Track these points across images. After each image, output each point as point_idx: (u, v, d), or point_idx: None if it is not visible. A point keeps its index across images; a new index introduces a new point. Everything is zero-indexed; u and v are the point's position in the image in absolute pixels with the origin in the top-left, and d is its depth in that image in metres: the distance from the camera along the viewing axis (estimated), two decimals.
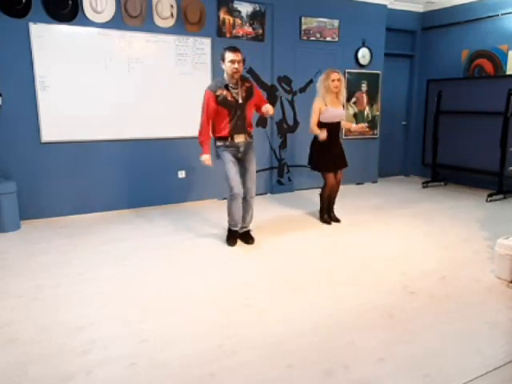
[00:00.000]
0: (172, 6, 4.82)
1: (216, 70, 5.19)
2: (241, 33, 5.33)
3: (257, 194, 5.79)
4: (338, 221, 4.50)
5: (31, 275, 3.13)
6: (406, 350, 2.21)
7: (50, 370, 2.03)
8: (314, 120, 4.20)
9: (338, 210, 4.61)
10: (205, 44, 5.09)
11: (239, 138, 3.65)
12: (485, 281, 3.06)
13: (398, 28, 6.71)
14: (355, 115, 6.43)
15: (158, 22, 4.79)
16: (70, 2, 4.31)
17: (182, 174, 5.25)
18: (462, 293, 2.88)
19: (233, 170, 3.64)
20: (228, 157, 3.65)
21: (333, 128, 4.23)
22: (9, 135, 4.28)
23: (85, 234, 4.08)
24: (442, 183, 6.58)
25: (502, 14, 5.81)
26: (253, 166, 3.77)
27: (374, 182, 6.78)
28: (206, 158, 3.64)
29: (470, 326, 2.46)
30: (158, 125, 4.98)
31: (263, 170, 5.85)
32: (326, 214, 4.51)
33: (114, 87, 4.67)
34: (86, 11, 4.39)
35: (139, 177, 5.00)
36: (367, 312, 2.60)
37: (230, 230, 3.86)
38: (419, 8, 6.82)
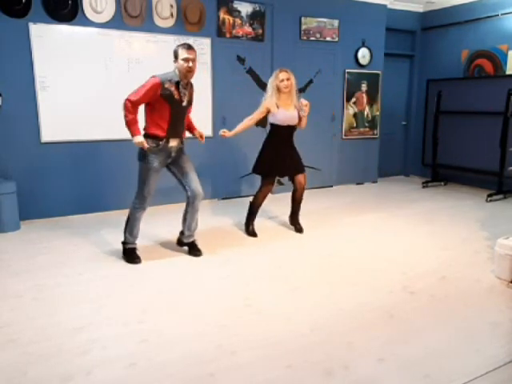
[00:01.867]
0: (172, 6, 4.82)
1: (216, 70, 5.20)
2: (241, 33, 5.33)
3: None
4: (301, 231, 4.16)
5: (31, 275, 3.13)
6: (406, 350, 2.21)
7: (49, 370, 2.03)
8: (254, 116, 3.88)
9: (337, 209, 4.60)
10: (205, 44, 5.09)
11: (173, 142, 3.27)
12: (485, 281, 3.06)
13: (397, 28, 6.71)
14: (355, 115, 6.43)
15: (158, 22, 4.79)
16: (70, 2, 4.30)
17: None
18: (462, 293, 2.88)
19: (154, 180, 3.28)
20: (155, 163, 3.23)
21: (285, 131, 3.91)
22: (9, 135, 4.28)
23: (84, 234, 4.08)
24: (441, 183, 6.58)
25: (501, 14, 5.81)
26: (191, 165, 3.43)
27: (374, 181, 6.78)
28: (142, 140, 3.13)
29: (470, 326, 2.46)
30: None
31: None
32: (294, 221, 4.22)
33: (113, 87, 4.67)
34: (85, 11, 4.39)
35: None
36: (367, 312, 2.60)
37: (129, 250, 3.39)
38: (419, 8, 6.82)
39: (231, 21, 5.23)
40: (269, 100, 3.87)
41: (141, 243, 3.83)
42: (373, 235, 4.10)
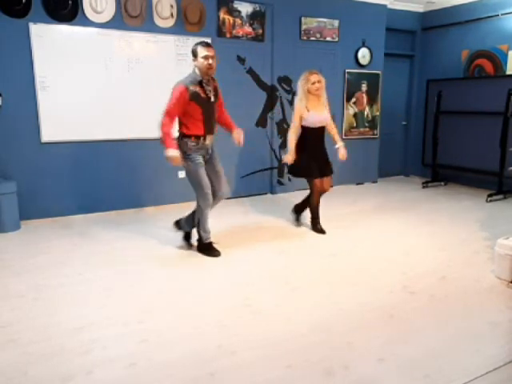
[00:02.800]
0: (172, 6, 4.82)
1: (216, 70, 5.18)
2: (241, 33, 5.33)
3: (257, 194, 5.85)
4: (323, 232, 4.17)
5: (31, 275, 3.13)
6: (406, 350, 2.21)
7: (49, 370, 2.03)
8: (294, 128, 3.94)
9: (337, 209, 4.60)
10: None
11: (209, 140, 3.41)
12: (485, 281, 3.06)
13: (397, 28, 6.71)
14: (355, 115, 6.43)
15: (158, 22, 4.79)
16: (70, 2, 4.30)
17: (182, 174, 5.24)
18: (461, 293, 2.88)
19: (204, 174, 3.39)
20: (200, 159, 3.36)
21: (317, 132, 3.98)
22: (9, 135, 4.28)
23: (85, 234, 4.08)
24: (441, 183, 6.58)
25: (502, 14, 5.81)
26: (222, 167, 3.56)
27: (374, 181, 6.78)
28: (176, 155, 3.22)
29: (470, 326, 2.46)
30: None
31: (263, 170, 5.85)
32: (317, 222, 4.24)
33: (113, 87, 4.67)
34: (85, 11, 4.39)
35: (139, 177, 4.99)
36: (367, 312, 2.60)
37: (208, 244, 3.57)
38: (419, 8, 6.82)
39: (231, 21, 5.23)
40: (299, 105, 3.91)
41: (141, 244, 3.84)
42: (373, 235, 4.10)
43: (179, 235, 4.06)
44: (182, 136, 3.36)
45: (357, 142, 6.50)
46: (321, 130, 4.01)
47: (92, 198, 4.76)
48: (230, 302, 2.74)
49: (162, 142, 3.27)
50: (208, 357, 2.14)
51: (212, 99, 3.37)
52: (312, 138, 3.99)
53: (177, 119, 3.35)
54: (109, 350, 2.20)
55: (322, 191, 4.11)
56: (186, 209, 5.05)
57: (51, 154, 4.49)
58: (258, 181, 5.85)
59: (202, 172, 3.39)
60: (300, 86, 3.94)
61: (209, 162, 3.49)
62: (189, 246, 3.73)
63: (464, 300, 2.78)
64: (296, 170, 4.08)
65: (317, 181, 4.02)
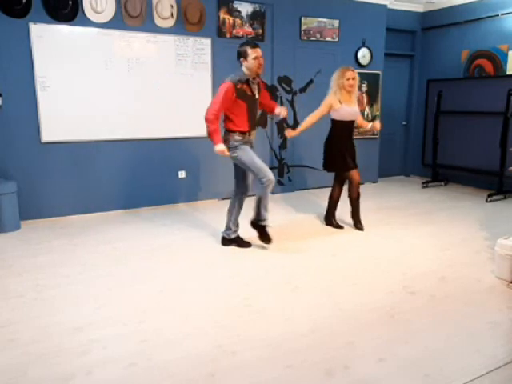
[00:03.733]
0: (172, 6, 4.82)
1: (216, 70, 5.19)
2: (241, 33, 5.33)
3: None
4: (361, 229, 4.25)
5: (31, 275, 3.13)
6: (406, 350, 2.21)
7: (49, 370, 2.03)
8: (317, 113, 4.05)
9: (337, 209, 4.59)
10: (205, 44, 5.09)
11: (253, 135, 3.62)
12: (485, 281, 3.06)
13: (397, 28, 6.71)
14: None
15: (158, 22, 4.79)
16: (70, 2, 4.30)
17: (182, 174, 5.25)
18: (462, 293, 2.88)
19: (258, 158, 3.51)
20: (249, 148, 3.52)
21: (348, 126, 4.11)
22: (9, 135, 4.28)
23: (84, 234, 4.09)
24: (442, 183, 6.58)
25: (502, 14, 5.81)
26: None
27: (374, 181, 6.78)
28: (223, 148, 3.40)
29: (470, 326, 2.46)
30: (158, 125, 4.97)
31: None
32: (332, 218, 4.39)
33: (113, 87, 4.67)
34: (86, 11, 4.39)
35: (139, 177, 4.99)
36: (367, 312, 2.60)
37: (264, 227, 3.60)
38: (419, 8, 6.82)
39: (231, 21, 5.23)
40: (332, 97, 4.02)
41: (140, 244, 3.84)
42: (373, 235, 4.10)
43: (178, 236, 4.08)
44: (229, 131, 3.51)
45: (357, 142, 6.43)
46: (351, 124, 4.14)
47: (92, 198, 4.76)
48: (230, 301, 2.74)
49: (211, 138, 3.42)
50: (208, 357, 2.14)
51: (256, 96, 3.56)
52: (343, 132, 4.12)
53: (222, 115, 3.49)
54: (108, 350, 2.20)
55: (359, 182, 4.21)
56: (186, 208, 5.07)
57: (51, 153, 4.49)
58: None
59: (253, 154, 3.51)
60: (334, 80, 4.05)
61: None
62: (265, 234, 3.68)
63: (464, 300, 2.78)
64: (332, 164, 4.18)
65: (354, 172, 4.14)
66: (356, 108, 4.12)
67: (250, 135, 3.56)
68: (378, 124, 4.22)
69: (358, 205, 4.29)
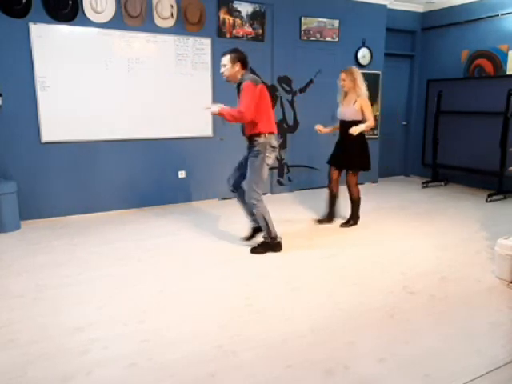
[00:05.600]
0: (172, 6, 4.82)
1: (216, 70, 5.18)
2: (241, 33, 5.33)
3: None
4: (329, 221, 4.45)
5: (31, 275, 3.13)
6: (406, 350, 2.21)
7: (49, 370, 2.03)
8: None
9: (337, 209, 4.59)
10: (205, 44, 5.09)
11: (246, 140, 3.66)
12: (485, 281, 3.06)
13: (398, 28, 6.71)
14: None
15: (158, 22, 4.79)
16: (70, 2, 4.30)
17: (182, 174, 5.25)
18: (462, 293, 2.88)
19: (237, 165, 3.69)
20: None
21: (343, 126, 4.17)
22: (9, 135, 4.28)
23: (85, 234, 4.08)
24: (442, 183, 6.58)
25: (501, 14, 5.81)
26: (248, 171, 3.62)
27: (374, 182, 6.78)
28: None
29: (470, 326, 2.46)
30: (158, 125, 4.97)
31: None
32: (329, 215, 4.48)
33: (114, 87, 4.67)
34: (86, 11, 4.39)
35: (139, 177, 4.99)
36: (367, 312, 2.60)
37: (275, 239, 3.62)
38: (419, 8, 6.82)
39: (231, 21, 5.23)
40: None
41: (140, 244, 3.84)
42: (373, 235, 4.10)
43: (178, 236, 4.08)
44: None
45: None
46: (343, 124, 4.18)
47: (92, 198, 4.76)
48: (230, 301, 2.74)
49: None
50: (208, 357, 2.14)
51: None
52: (340, 130, 4.29)
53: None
54: (109, 349, 2.20)
55: (332, 180, 4.35)
56: (186, 208, 5.06)
57: (51, 153, 4.49)
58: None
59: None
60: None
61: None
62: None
63: (464, 300, 2.78)
64: (329, 158, 4.44)
65: (331, 169, 4.35)
66: (349, 108, 4.12)
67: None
68: (353, 129, 4.01)
69: (355, 205, 4.38)
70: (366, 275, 3.16)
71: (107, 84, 4.64)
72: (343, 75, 4.09)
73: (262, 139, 3.44)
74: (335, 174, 4.34)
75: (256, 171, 3.47)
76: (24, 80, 4.25)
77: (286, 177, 6.00)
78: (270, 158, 3.50)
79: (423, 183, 6.48)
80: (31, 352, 2.17)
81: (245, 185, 3.58)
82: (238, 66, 3.40)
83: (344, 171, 4.33)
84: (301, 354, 2.17)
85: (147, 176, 5.04)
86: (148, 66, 4.82)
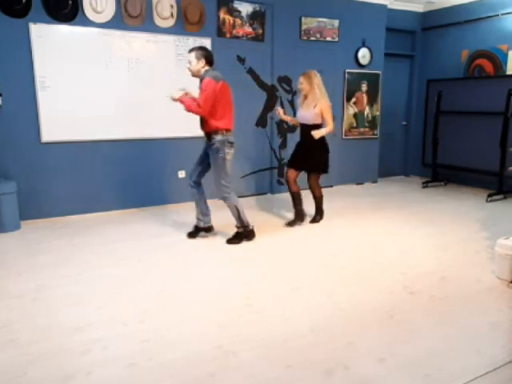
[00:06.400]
0: (172, 6, 4.82)
1: (216, 70, 5.18)
2: (241, 33, 5.33)
3: (257, 194, 5.85)
4: (290, 224, 4.37)
5: (31, 275, 3.13)
6: (406, 350, 2.21)
7: (49, 370, 2.03)
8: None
9: (337, 209, 4.60)
10: (205, 44, 5.04)
11: (203, 134, 3.73)
12: (485, 281, 3.06)
13: (398, 28, 6.71)
14: (355, 115, 6.43)
15: (158, 22, 4.79)
16: (70, 2, 4.30)
17: (182, 174, 5.25)
18: (462, 293, 2.88)
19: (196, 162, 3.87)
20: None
21: (303, 129, 4.23)
22: (9, 135, 4.28)
23: (85, 234, 4.08)
24: (442, 183, 6.58)
25: (501, 14, 5.81)
26: (211, 169, 3.80)
27: (374, 181, 6.78)
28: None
29: (470, 326, 2.46)
30: (158, 125, 4.97)
31: (263, 170, 5.85)
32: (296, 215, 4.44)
33: (113, 87, 4.67)
34: (86, 11, 4.39)
35: (139, 177, 4.99)
36: (367, 312, 2.60)
37: (248, 227, 3.84)
38: (419, 8, 6.82)
39: (231, 21, 5.23)
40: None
41: (140, 244, 3.84)
42: (373, 235, 4.10)
43: (178, 236, 4.08)
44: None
45: (357, 142, 6.51)
46: (304, 127, 4.22)
47: (92, 198, 4.75)
48: (230, 301, 2.74)
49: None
50: (208, 357, 2.14)
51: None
52: (301, 133, 4.33)
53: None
54: (109, 350, 2.20)
55: (290, 181, 4.32)
56: (186, 209, 5.06)
57: (51, 153, 4.49)
58: (258, 181, 5.86)
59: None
60: None
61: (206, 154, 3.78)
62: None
63: (464, 300, 2.78)
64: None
65: (288, 170, 4.35)
66: (308, 112, 4.14)
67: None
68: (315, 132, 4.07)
69: (318, 201, 4.47)
70: (365, 275, 3.16)
71: (107, 84, 4.63)
72: (301, 79, 4.17)
73: (219, 136, 3.58)
74: (293, 175, 4.30)
75: (219, 168, 3.64)
76: (24, 80, 4.25)
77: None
78: (230, 154, 3.64)
79: (423, 183, 6.48)
80: (31, 352, 2.17)
81: (213, 183, 3.73)
82: (202, 63, 3.56)
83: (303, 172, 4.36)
84: (301, 354, 2.17)
85: (147, 176, 5.03)
86: (148, 66, 4.82)
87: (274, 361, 2.11)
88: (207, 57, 3.58)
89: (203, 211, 3.91)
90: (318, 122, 4.15)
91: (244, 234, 3.82)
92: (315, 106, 4.11)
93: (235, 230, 3.84)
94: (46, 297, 2.79)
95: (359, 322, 2.49)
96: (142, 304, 2.69)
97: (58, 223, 4.45)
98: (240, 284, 3.00)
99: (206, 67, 3.59)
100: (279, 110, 4.44)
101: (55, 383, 1.94)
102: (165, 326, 2.43)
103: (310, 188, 4.39)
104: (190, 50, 3.59)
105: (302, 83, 4.17)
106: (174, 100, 3.46)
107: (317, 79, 4.13)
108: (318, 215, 4.50)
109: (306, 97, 4.20)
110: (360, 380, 1.98)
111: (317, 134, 4.05)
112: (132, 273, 3.19)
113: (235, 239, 3.81)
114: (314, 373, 2.02)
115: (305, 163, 4.25)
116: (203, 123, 3.64)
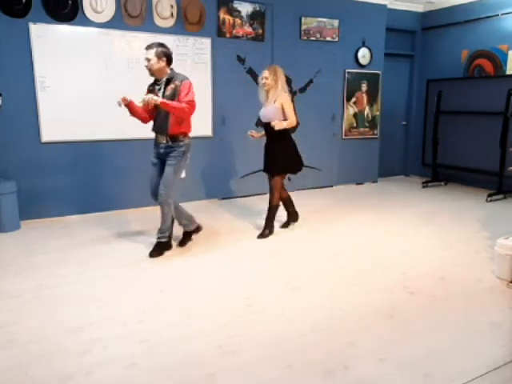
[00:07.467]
0: (172, 6, 4.82)
1: (216, 70, 5.20)
2: (241, 33, 5.33)
3: (257, 194, 5.85)
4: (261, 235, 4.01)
5: (30, 275, 3.13)
6: (406, 350, 2.21)
7: (49, 370, 2.03)
8: None
9: (337, 210, 4.60)
10: (205, 44, 5.08)
11: (161, 139, 3.46)
12: (485, 281, 3.06)
13: (397, 28, 6.71)
14: (355, 115, 6.43)
15: (158, 22, 4.79)
16: (70, 2, 4.30)
17: (182, 175, 5.24)
18: (462, 293, 2.88)
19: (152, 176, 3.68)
20: (152, 158, 3.64)
21: (266, 128, 3.93)
22: (9, 135, 4.28)
23: (84, 234, 4.08)
24: (442, 183, 6.58)
25: (501, 14, 5.81)
26: (168, 170, 3.52)
27: (374, 181, 6.78)
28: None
29: (470, 326, 2.45)
30: None
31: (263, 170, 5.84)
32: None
33: (113, 87, 4.66)
34: (86, 11, 4.39)
35: (139, 177, 4.98)
36: (367, 312, 2.60)
37: (170, 238, 3.67)
38: (419, 8, 6.82)
39: (231, 21, 5.23)
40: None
41: (140, 244, 3.84)
42: (373, 235, 4.10)
43: (177, 235, 4.07)
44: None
45: (357, 141, 6.50)
46: (269, 126, 3.80)
47: (92, 198, 4.75)
48: (230, 302, 2.74)
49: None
50: (208, 357, 2.14)
51: (159, 100, 3.26)
52: (265, 134, 4.02)
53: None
54: (108, 350, 2.20)
55: (275, 188, 3.98)
56: (186, 208, 5.05)
57: (51, 154, 4.49)
58: (258, 181, 5.85)
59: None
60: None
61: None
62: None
63: (464, 300, 2.78)
64: None
65: (268, 176, 4.06)
66: (268, 109, 3.84)
67: (156, 138, 3.54)
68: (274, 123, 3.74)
69: (270, 212, 4.03)
70: (365, 275, 3.16)
71: (107, 84, 4.63)
72: (266, 73, 3.83)
73: (187, 140, 3.48)
74: (271, 179, 4.01)
75: (179, 171, 3.53)
76: (24, 80, 4.25)
77: (285, 177, 5.98)
78: (188, 158, 3.58)
79: (423, 183, 6.48)
80: (31, 352, 2.17)
81: (162, 184, 3.51)
82: (163, 62, 3.33)
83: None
84: (301, 353, 2.17)
85: (147, 176, 5.01)
86: None
87: (274, 361, 2.11)
88: (168, 55, 3.35)
89: (184, 214, 3.75)
90: (280, 117, 3.79)
91: (164, 244, 3.58)
92: (275, 101, 3.82)
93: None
94: (45, 297, 2.78)
95: (359, 322, 2.49)
96: (142, 304, 2.69)
97: (58, 223, 4.45)
98: (240, 284, 3.00)
99: (168, 67, 3.37)
100: (252, 134, 4.07)
101: (55, 383, 1.94)
102: (165, 326, 2.43)
103: (270, 190, 3.99)
104: (149, 47, 3.31)
105: (267, 78, 3.81)
106: (155, 103, 3.19)
107: (282, 75, 3.86)
108: (267, 229, 4.01)
109: (267, 93, 3.88)
110: (360, 380, 1.98)
111: (277, 124, 3.68)
112: (132, 273, 3.19)
113: (158, 250, 3.54)
114: (313, 373, 2.02)
115: (269, 163, 3.98)
116: (167, 125, 3.38)
